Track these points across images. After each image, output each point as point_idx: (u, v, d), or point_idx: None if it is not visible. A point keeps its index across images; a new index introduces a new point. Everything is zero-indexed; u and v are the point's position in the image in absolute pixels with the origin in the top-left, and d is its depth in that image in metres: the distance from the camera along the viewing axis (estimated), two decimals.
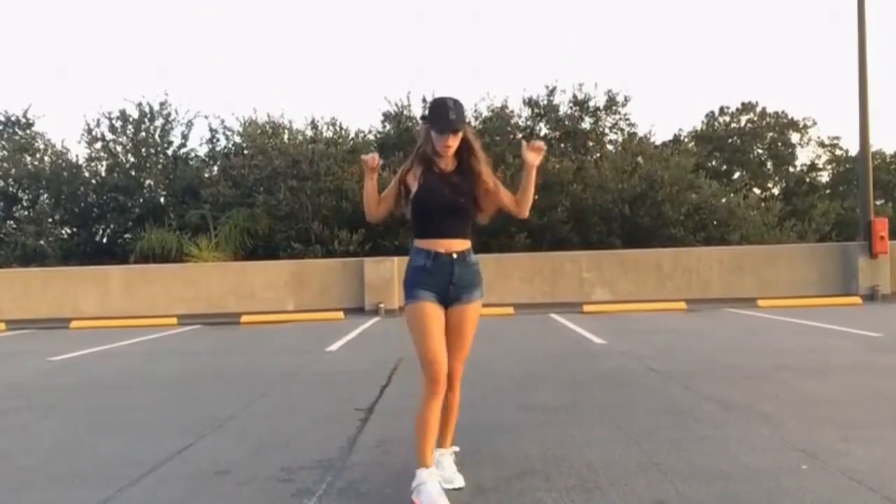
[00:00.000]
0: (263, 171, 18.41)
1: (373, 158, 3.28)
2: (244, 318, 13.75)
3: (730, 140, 29.60)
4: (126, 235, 20.35)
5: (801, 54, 46.64)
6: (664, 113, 47.82)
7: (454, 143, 3.23)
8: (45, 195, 20.64)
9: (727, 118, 30.26)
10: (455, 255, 3.27)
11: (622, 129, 21.74)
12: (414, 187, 3.28)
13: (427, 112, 3.30)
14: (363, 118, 51.27)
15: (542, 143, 3.34)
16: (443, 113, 3.20)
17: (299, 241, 17.87)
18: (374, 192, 3.34)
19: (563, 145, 20.93)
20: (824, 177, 30.37)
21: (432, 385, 3.14)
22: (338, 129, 20.42)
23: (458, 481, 3.35)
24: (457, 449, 3.50)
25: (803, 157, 30.60)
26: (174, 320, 13.76)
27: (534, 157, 3.28)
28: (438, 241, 3.26)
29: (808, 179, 29.82)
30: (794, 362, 6.61)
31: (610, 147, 21.38)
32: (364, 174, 3.33)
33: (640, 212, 18.60)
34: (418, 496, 3.05)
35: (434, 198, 3.23)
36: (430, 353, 3.15)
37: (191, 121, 21.10)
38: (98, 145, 20.89)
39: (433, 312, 3.22)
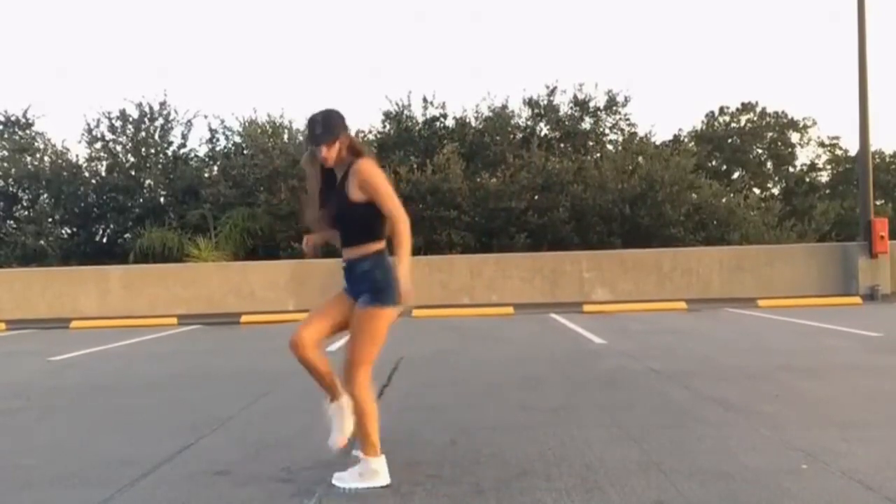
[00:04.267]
0: (264, 170, 18.41)
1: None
2: (244, 318, 13.75)
3: (730, 140, 29.60)
4: (126, 235, 20.34)
5: (801, 54, 46.66)
6: (664, 113, 47.84)
7: (330, 153, 3.32)
8: (45, 195, 20.63)
9: (727, 118, 30.26)
10: (345, 264, 3.53)
11: (622, 129, 21.74)
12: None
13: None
14: (363, 118, 51.24)
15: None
16: (310, 128, 3.37)
17: (300, 240, 17.78)
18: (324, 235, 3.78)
19: (563, 145, 20.93)
20: (824, 177, 30.38)
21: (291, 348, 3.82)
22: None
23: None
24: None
25: (803, 156, 30.63)
26: (174, 320, 13.76)
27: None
28: (343, 249, 3.52)
29: (807, 179, 29.83)
30: (794, 362, 6.61)
31: (610, 147, 21.38)
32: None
33: (641, 212, 18.59)
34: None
35: (330, 200, 3.45)
36: (300, 326, 3.77)
37: (190, 121, 21.10)
38: (98, 145, 20.88)
39: (336, 297, 3.75)
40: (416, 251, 17.41)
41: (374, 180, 3.30)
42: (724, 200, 20.20)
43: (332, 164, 3.37)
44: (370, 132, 21.16)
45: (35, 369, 8.09)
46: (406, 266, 3.25)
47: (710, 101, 54.38)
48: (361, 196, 3.30)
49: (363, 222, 3.37)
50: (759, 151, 30.17)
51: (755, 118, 30.05)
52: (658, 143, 22.31)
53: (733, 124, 30.05)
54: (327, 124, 3.32)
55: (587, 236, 18.51)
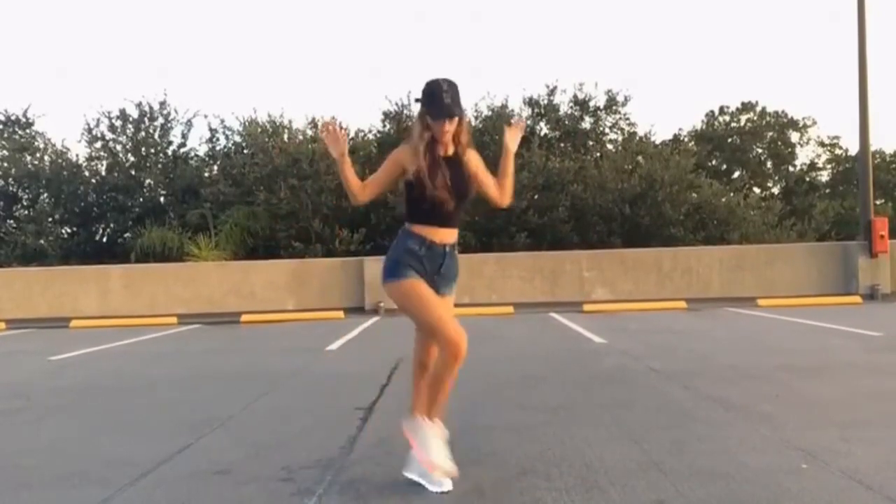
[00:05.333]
0: (264, 169, 18.41)
1: (334, 132, 3.17)
2: (244, 318, 13.75)
3: (730, 139, 29.61)
4: (126, 235, 20.34)
5: (801, 54, 46.67)
6: (664, 113, 47.88)
7: (451, 128, 3.14)
8: (45, 194, 20.63)
9: (727, 118, 30.28)
10: (447, 248, 3.23)
11: (622, 129, 21.74)
12: (412, 170, 3.15)
13: (422, 95, 3.16)
14: (363, 118, 51.28)
15: (523, 122, 3.34)
16: (437, 96, 3.08)
17: (300, 240, 17.87)
18: (352, 177, 3.23)
19: (563, 145, 20.92)
20: (824, 176, 30.39)
21: (458, 356, 3.18)
22: (338, 128, 20.39)
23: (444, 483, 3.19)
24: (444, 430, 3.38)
25: (803, 156, 30.65)
26: (174, 320, 13.76)
27: (513, 140, 3.31)
28: (436, 229, 3.20)
29: (807, 179, 29.83)
30: (795, 362, 6.61)
31: (610, 147, 21.38)
32: (334, 159, 3.21)
33: (640, 211, 18.60)
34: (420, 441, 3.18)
35: (435, 184, 3.13)
36: (449, 328, 3.13)
37: (190, 120, 21.11)
38: (98, 145, 20.88)
39: (429, 289, 3.20)
40: None
41: (483, 167, 3.32)
42: (723, 200, 20.21)
43: (446, 140, 3.17)
44: (370, 132, 21.18)
45: (35, 369, 8.09)
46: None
47: (710, 100, 54.43)
48: (477, 175, 3.25)
49: (466, 204, 3.31)
50: (759, 151, 30.18)
51: (755, 118, 30.06)
52: (658, 142, 22.33)
53: (733, 124, 30.07)
54: (457, 98, 3.10)
55: (587, 236, 18.51)
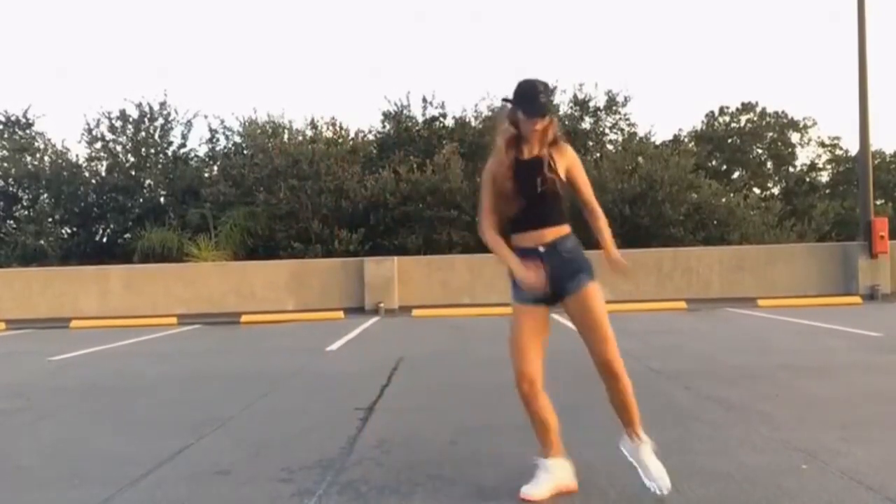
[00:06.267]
0: (263, 170, 18.42)
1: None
2: (244, 318, 13.75)
3: (730, 140, 29.60)
4: (126, 235, 20.34)
5: (801, 54, 46.68)
6: (664, 113, 47.85)
7: (542, 126, 3.11)
8: (45, 195, 20.63)
9: (727, 118, 30.26)
10: (542, 248, 3.16)
11: (622, 129, 21.77)
12: (501, 179, 3.15)
13: (513, 94, 3.14)
14: (363, 118, 51.28)
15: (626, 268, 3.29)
16: (533, 95, 3.07)
17: (299, 240, 17.87)
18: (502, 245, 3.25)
19: None
20: (824, 177, 30.37)
21: (520, 396, 3.34)
22: (338, 128, 20.44)
23: (659, 480, 3.12)
24: (646, 440, 3.27)
25: (803, 156, 30.63)
26: (174, 320, 13.76)
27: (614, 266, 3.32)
28: (525, 234, 3.18)
29: (808, 179, 29.82)
30: (794, 362, 6.61)
31: (610, 147, 21.38)
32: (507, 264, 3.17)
33: (640, 212, 18.60)
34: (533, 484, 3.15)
35: (522, 180, 3.10)
36: (518, 363, 3.29)
37: (190, 121, 21.13)
38: (98, 145, 20.90)
39: (529, 317, 3.24)
40: (417, 251, 17.45)
41: (581, 166, 3.29)
42: (723, 200, 20.21)
43: (534, 139, 3.14)
44: (370, 132, 21.19)
45: (35, 369, 8.08)
46: (614, 247, 3.33)
47: (710, 101, 54.42)
48: (562, 177, 3.20)
49: (562, 203, 3.24)
50: (759, 151, 30.16)
51: (755, 118, 30.04)
52: (658, 143, 22.35)
53: (733, 124, 30.04)
54: (549, 95, 3.11)
55: (587, 237, 18.49)
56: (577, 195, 3.30)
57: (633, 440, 3.27)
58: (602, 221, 3.33)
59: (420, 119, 20.82)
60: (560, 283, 3.21)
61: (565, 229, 3.23)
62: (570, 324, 3.36)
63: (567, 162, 3.22)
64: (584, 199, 3.31)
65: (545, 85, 3.11)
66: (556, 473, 3.19)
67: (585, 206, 3.34)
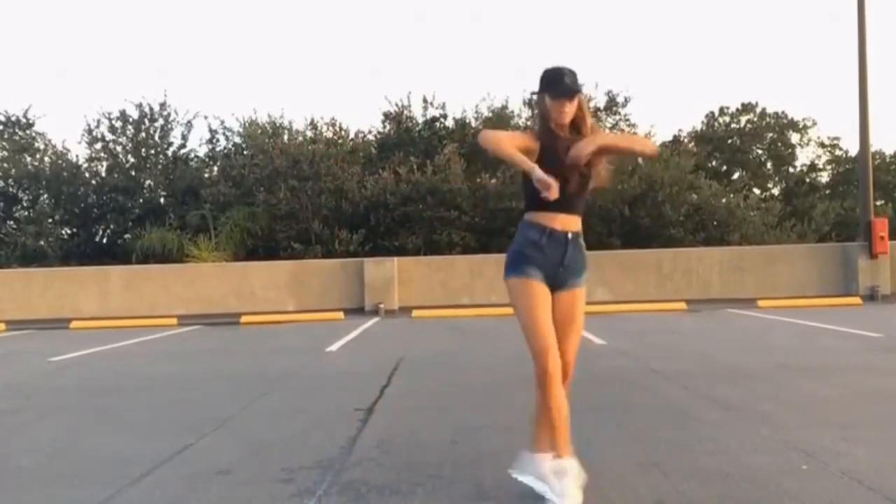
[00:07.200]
0: (263, 170, 18.43)
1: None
2: (244, 319, 13.75)
3: (730, 140, 29.59)
4: (126, 236, 20.36)
5: (801, 54, 46.68)
6: (664, 113, 47.80)
7: (570, 109, 3.06)
8: (45, 195, 20.66)
9: (727, 118, 30.25)
10: (570, 235, 3.12)
11: (622, 130, 21.74)
12: (535, 152, 3.04)
13: (540, 81, 3.12)
14: (363, 118, 51.29)
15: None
16: (558, 78, 3.06)
17: (299, 241, 17.87)
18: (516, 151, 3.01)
19: None
20: (824, 177, 30.36)
21: (544, 377, 2.96)
22: (338, 129, 20.46)
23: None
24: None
25: (803, 157, 30.62)
26: (174, 320, 13.76)
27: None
28: (554, 215, 3.08)
29: (807, 180, 29.81)
30: (794, 362, 6.61)
31: None
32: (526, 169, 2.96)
33: (640, 212, 18.60)
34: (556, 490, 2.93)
35: (555, 165, 2.97)
36: (538, 340, 2.99)
37: (190, 121, 21.17)
38: (98, 145, 20.94)
39: (542, 294, 3.06)
40: (417, 251, 17.45)
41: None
42: (723, 201, 20.22)
43: (565, 122, 3.07)
44: (370, 132, 21.20)
45: (35, 369, 8.09)
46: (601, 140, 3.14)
47: (711, 101, 54.43)
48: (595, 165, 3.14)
49: (587, 190, 3.18)
50: (759, 152, 30.16)
51: (755, 118, 30.03)
52: (658, 143, 22.33)
53: (733, 125, 30.04)
54: (575, 78, 3.06)
55: (587, 237, 18.48)
56: (609, 153, 3.19)
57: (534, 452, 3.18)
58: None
59: (420, 119, 20.85)
60: (566, 275, 3.15)
61: (580, 222, 3.22)
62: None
63: (598, 145, 3.07)
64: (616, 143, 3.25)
65: (571, 70, 3.08)
66: (572, 472, 2.99)
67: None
